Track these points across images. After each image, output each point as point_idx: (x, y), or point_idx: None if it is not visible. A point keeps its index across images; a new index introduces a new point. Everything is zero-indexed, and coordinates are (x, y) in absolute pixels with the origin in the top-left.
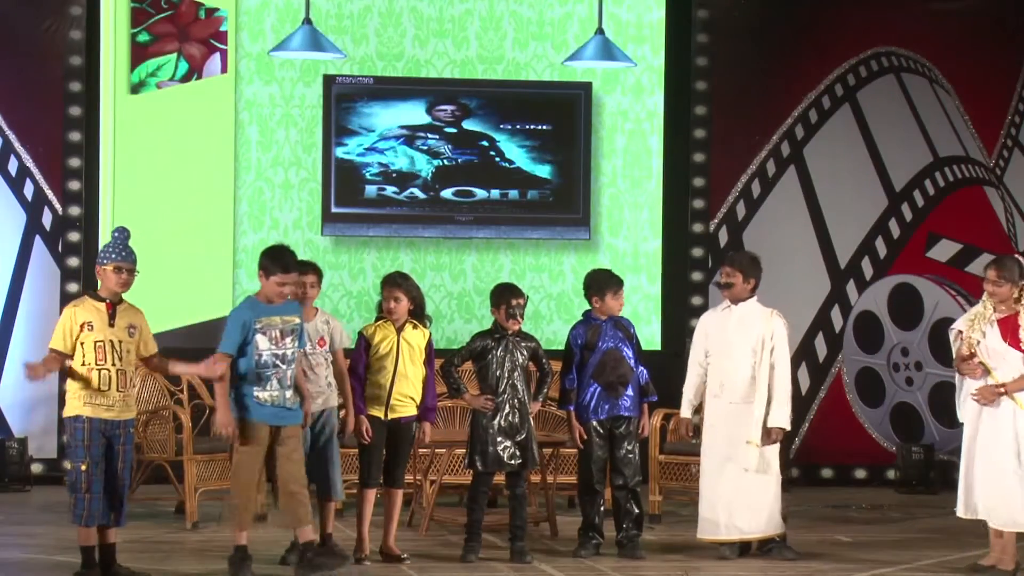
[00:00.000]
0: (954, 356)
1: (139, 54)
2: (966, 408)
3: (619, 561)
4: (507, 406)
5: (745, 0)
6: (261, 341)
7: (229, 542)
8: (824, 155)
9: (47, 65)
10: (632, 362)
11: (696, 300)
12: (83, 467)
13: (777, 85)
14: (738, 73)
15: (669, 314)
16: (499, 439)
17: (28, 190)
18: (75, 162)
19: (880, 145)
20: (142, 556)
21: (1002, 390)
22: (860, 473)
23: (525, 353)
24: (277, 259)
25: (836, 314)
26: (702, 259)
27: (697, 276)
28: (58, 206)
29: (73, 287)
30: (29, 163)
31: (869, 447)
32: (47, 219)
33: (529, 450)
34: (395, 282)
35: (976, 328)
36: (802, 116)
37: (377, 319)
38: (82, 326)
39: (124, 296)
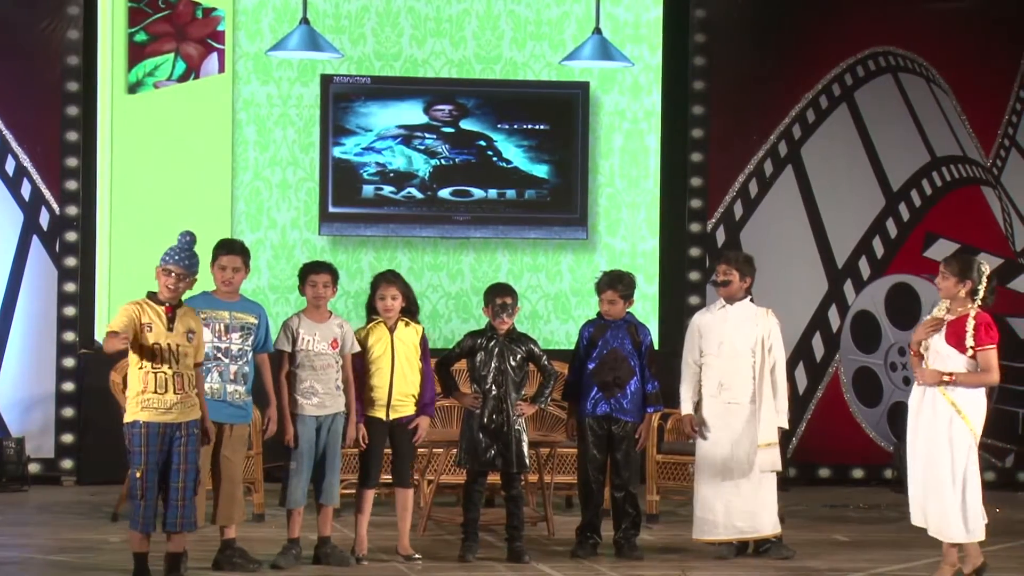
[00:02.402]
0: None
1: (136, 54)
2: (909, 414)
3: (617, 561)
4: (490, 405)
5: (743, 0)
6: (204, 333)
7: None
8: (821, 155)
9: (45, 65)
10: (635, 367)
11: (694, 299)
12: (138, 474)
13: (775, 85)
14: (736, 73)
15: (666, 314)
16: (480, 437)
17: (26, 190)
18: (72, 162)
19: (877, 145)
20: (87, 558)
21: (950, 378)
22: (857, 472)
23: (518, 355)
24: (221, 244)
25: (833, 314)
26: (699, 259)
27: (695, 276)
28: (55, 206)
29: (71, 287)
30: (26, 163)
31: (866, 447)
32: (44, 219)
33: (511, 451)
34: (390, 280)
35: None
36: (800, 116)
37: (369, 320)
38: (143, 326)
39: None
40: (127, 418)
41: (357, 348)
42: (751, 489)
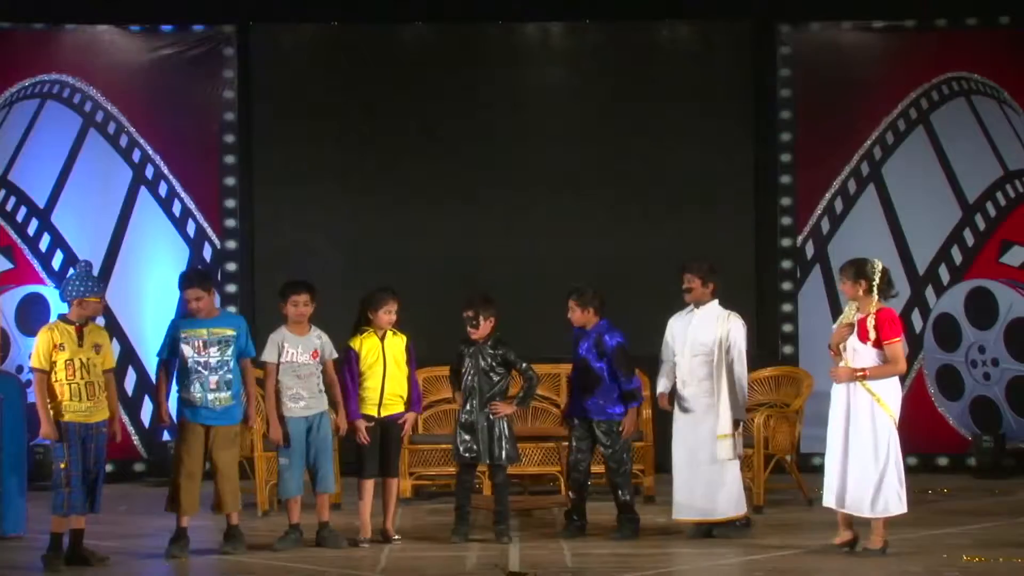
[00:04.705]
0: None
1: None
2: (833, 405)
3: (586, 541)
4: (468, 405)
5: (824, 34)
6: (186, 349)
7: (217, 530)
8: (901, 173)
9: (205, 121)
10: (602, 373)
11: (786, 307)
12: (62, 466)
13: (856, 111)
14: (819, 102)
15: (761, 320)
16: (460, 433)
17: (191, 228)
18: (230, 203)
19: (953, 162)
20: (125, 544)
21: (862, 374)
22: (942, 460)
23: (490, 359)
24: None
25: (916, 317)
26: (791, 271)
27: (787, 286)
28: (216, 241)
29: (232, 310)
30: (191, 205)
31: (949, 437)
32: (207, 252)
33: (482, 445)
34: (395, 296)
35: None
36: (880, 138)
37: (360, 330)
38: (55, 347)
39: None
40: None
41: (335, 355)
42: (716, 474)
